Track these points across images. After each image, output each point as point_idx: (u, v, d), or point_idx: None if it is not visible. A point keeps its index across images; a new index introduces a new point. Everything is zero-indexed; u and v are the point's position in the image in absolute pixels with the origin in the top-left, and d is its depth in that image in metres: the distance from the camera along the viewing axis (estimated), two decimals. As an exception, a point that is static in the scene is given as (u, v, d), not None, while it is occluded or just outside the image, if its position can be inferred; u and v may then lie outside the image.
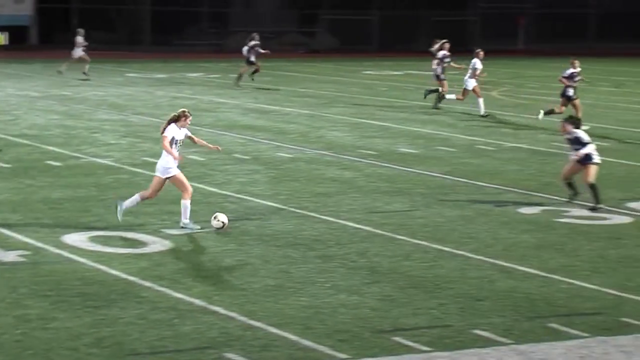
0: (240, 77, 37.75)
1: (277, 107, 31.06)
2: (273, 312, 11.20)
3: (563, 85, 26.73)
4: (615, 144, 24.05)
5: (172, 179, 14.96)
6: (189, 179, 18.89)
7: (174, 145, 14.86)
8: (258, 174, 19.72)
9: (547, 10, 64.69)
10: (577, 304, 11.62)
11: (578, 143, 16.79)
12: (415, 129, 26.41)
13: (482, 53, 29.63)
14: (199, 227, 14.85)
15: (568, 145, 17.06)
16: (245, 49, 37.74)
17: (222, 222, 14.81)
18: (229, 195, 17.43)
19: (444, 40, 31.66)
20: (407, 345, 10.28)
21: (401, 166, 20.67)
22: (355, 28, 62.37)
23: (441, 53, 31.19)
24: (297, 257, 13.57)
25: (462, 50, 60.79)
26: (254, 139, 24.39)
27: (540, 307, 11.49)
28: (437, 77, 31.33)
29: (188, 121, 15.01)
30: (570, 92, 26.56)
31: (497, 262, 13.38)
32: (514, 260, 13.47)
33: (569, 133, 16.91)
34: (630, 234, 15.03)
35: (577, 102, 26.58)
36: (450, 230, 15.12)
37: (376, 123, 27.44)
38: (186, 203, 14.86)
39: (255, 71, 37.99)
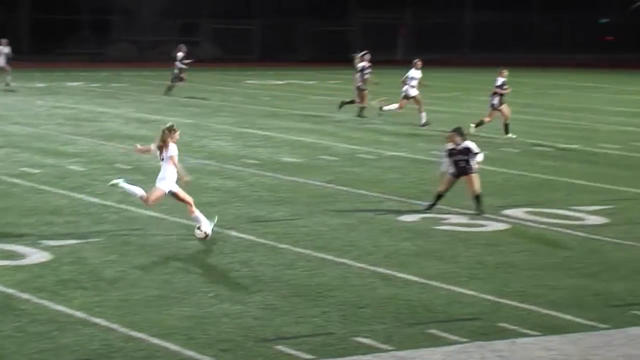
0: (172, 88, 37.49)
1: (159, 117, 30.85)
2: (155, 323, 11.15)
3: (494, 95, 27.18)
4: (493, 152, 24.53)
5: (157, 189, 15.04)
6: (69, 189, 18.69)
7: (171, 161, 14.97)
8: (140, 184, 19.54)
9: (425, 21, 65.69)
10: (455, 310, 11.83)
11: (467, 154, 16.97)
12: (297, 138, 26.54)
13: (419, 63, 29.79)
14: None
15: (447, 157, 17.20)
16: (178, 62, 37.51)
17: (205, 233, 14.75)
18: (110, 206, 17.27)
19: (365, 52, 31.81)
20: (289, 354, 10.34)
21: (284, 175, 20.76)
22: (237, 37, 62.40)
23: (360, 65, 31.29)
24: (180, 267, 13.53)
25: (342, 60, 61.52)
26: (135, 148, 24.19)
27: (420, 314, 11.67)
28: (358, 88, 31.33)
29: (177, 135, 15.13)
30: (495, 101, 27.06)
31: (378, 269, 13.54)
32: (395, 267, 13.65)
33: (458, 144, 17.07)
34: (507, 241, 15.36)
35: (502, 107, 27.07)
36: (332, 239, 15.25)
37: (259, 132, 27.50)
38: (135, 190, 15.09)
39: (181, 80, 37.76)
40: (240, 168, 21.57)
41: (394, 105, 29.69)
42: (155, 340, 10.60)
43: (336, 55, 62.85)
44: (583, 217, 17.08)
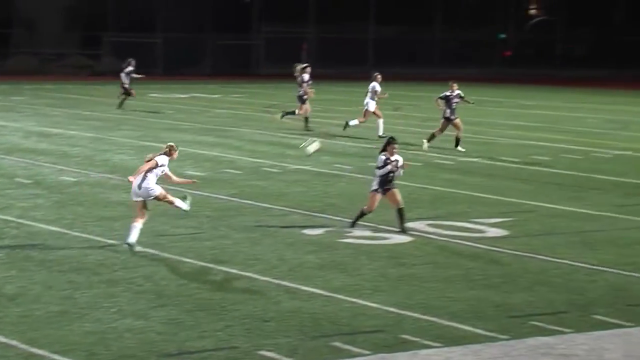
0: (122, 102, 37.49)
1: (60, 130, 30.52)
2: (56, 339, 11.01)
3: (440, 108, 27.60)
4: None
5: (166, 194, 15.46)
6: (-33, 204, 18.37)
7: (153, 173, 15.25)
8: (41, 198, 19.33)
9: (329, 35, 66.09)
10: (359, 323, 11.92)
11: (397, 167, 16.95)
12: (201, 151, 26.46)
13: (379, 77, 30.50)
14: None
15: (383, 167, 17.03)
16: (123, 74, 37.32)
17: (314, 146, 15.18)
18: (10, 221, 17.01)
19: (306, 64, 32.16)
20: (193, 368, 10.31)
21: (188, 189, 20.63)
22: (140, 51, 61.92)
23: (306, 77, 31.70)
24: (82, 282, 13.38)
25: (246, 74, 61.56)
26: (36, 162, 23.88)
27: (325, 326, 11.72)
28: (300, 98, 31.70)
29: (175, 155, 15.64)
30: (447, 113, 27.48)
31: (282, 282, 13.58)
32: (299, 280, 13.70)
33: (392, 155, 16.95)
34: (410, 253, 15.51)
35: (457, 121, 27.51)
36: (236, 252, 15.24)
37: (163, 146, 27.29)
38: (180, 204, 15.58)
39: (129, 95, 37.52)
40: (143, 182, 21.37)
41: (380, 122, 30.02)
42: (56, 357, 10.47)
43: (240, 69, 62.90)
44: (484, 229, 17.34)
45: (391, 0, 67.62)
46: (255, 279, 13.73)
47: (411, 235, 16.71)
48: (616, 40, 68.59)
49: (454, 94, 27.72)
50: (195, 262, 14.57)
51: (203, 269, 14.20)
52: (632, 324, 11.99)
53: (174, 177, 15.80)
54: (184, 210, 15.85)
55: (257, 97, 45.95)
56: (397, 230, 16.81)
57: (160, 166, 15.39)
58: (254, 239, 16.19)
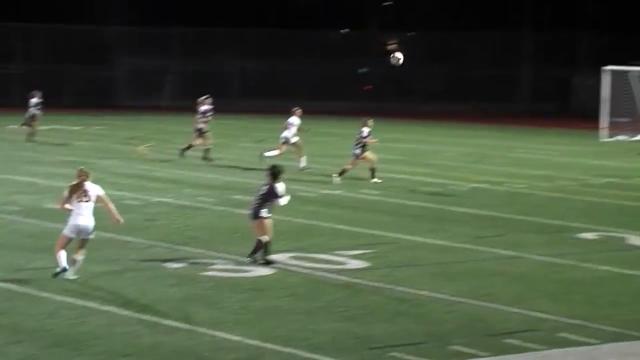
0: (32, 134, 37.39)
1: None
2: None
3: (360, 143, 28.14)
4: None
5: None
6: None
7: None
8: None
9: (192, 68, 66.00)
10: (221, 356, 11.90)
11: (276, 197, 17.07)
12: (62, 184, 26.01)
13: (299, 111, 30.89)
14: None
15: (264, 197, 17.04)
16: (32, 108, 37.40)
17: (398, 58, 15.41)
18: None
19: (206, 96, 32.27)
20: (52, 405, 10.14)
21: (47, 222, 20.33)
22: (-2, 82, 60.83)
23: (203, 108, 31.86)
24: None
25: (107, 105, 60.97)
26: None
27: (186, 360, 11.68)
28: (199, 130, 31.53)
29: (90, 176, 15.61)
30: (357, 150, 28.07)
31: (143, 317, 13.46)
32: (160, 314, 13.60)
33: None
34: (272, 286, 15.57)
35: (367, 154, 27.98)
36: (96, 286, 15.05)
37: (21, 179, 26.86)
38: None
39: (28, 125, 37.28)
40: (0, 215, 20.98)
41: (275, 152, 30.25)
42: None
43: (101, 101, 62.24)
44: (345, 261, 17.52)
45: (255, 33, 67.97)
46: (115, 313, 13.58)
47: (274, 267, 16.77)
48: (471, 75, 70.26)
49: (370, 130, 28.41)
50: (54, 296, 14.33)
51: (62, 304, 13.98)
52: (488, 354, 12.27)
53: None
54: (73, 270, 15.35)
55: (118, 129, 45.54)
56: (260, 262, 16.86)
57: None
58: (115, 272, 16.02)
